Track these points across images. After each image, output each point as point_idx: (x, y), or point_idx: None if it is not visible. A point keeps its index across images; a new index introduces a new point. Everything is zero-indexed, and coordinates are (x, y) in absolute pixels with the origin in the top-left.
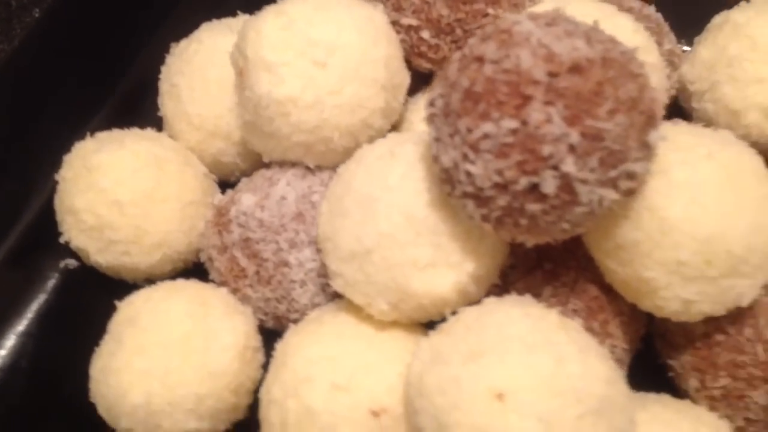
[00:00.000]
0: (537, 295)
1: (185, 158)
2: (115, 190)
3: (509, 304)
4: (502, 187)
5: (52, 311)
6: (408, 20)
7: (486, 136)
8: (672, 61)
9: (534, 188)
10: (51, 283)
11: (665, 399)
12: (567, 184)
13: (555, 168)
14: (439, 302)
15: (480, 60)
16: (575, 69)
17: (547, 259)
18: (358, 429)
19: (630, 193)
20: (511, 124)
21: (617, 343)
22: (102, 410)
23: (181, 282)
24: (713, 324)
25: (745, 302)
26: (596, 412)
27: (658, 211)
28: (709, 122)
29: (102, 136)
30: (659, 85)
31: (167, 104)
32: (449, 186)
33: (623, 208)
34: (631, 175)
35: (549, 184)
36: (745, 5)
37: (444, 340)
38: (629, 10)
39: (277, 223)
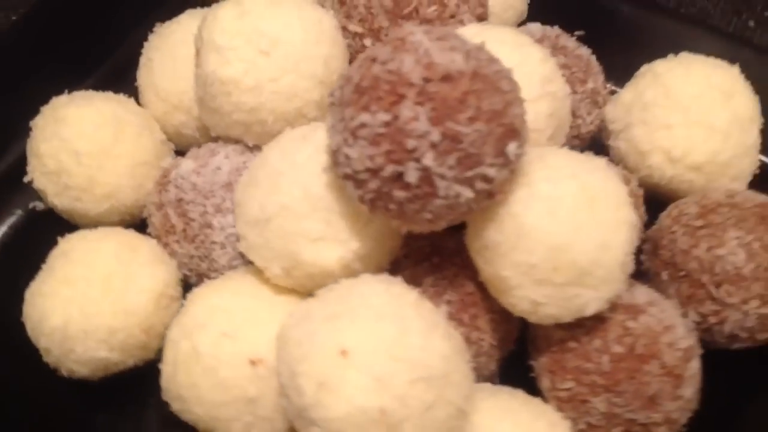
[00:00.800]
0: (419, 284)
1: (146, 123)
2: (76, 140)
3: (377, 281)
4: (373, 172)
5: (11, 245)
6: (354, 27)
7: (363, 125)
8: (595, 100)
9: (399, 176)
10: (16, 219)
11: (517, 393)
12: (427, 176)
13: (417, 160)
14: (325, 273)
15: (373, 60)
16: (446, 78)
17: (437, 253)
18: (236, 374)
19: (486, 195)
20: (384, 117)
21: (485, 338)
22: (28, 330)
23: (118, 229)
24: (569, 331)
25: (587, 312)
26: (428, 381)
27: (518, 217)
28: (620, 160)
29: (77, 94)
30: (557, 112)
31: (142, 75)
32: (336, 167)
33: (491, 212)
34: (485, 178)
35: (411, 174)
36: (670, 57)
37: (315, 302)
38: (561, 48)
39: (208, 189)
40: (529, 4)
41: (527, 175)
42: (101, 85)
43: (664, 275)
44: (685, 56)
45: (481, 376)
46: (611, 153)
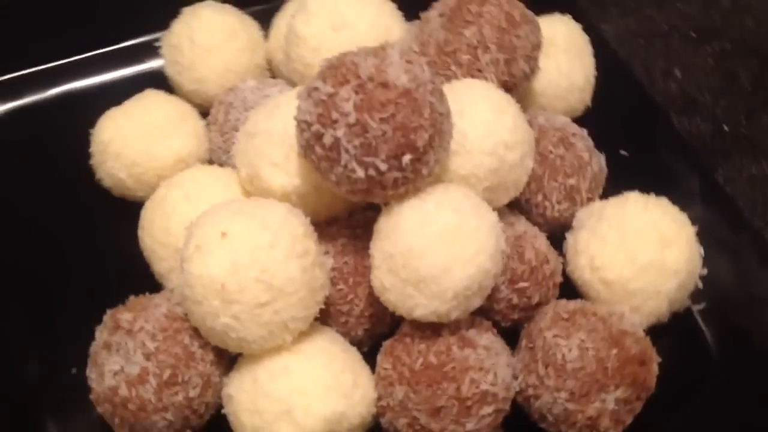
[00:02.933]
0: (334, 238)
1: (253, 47)
2: (196, 32)
3: (281, 204)
4: (308, 125)
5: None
6: (413, 45)
7: (316, 89)
8: (571, 196)
9: (320, 136)
10: None
11: (350, 349)
12: (336, 145)
13: (334, 129)
14: (270, 192)
15: (355, 53)
16: (384, 84)
17: (363, 227)
18: (179, 226)
19: (377, 183)
20: (329, 89)
21: (358, 304)
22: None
23: (185, 105)
24: (413, 328)
25: (414, 314)
26: (268, 287)
27: (400, 215)
28: (565, 252)
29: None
30: (503, 174)
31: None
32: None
33: (393, 203)
34: (376, 169)
35: (327, 138)
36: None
37: (228, 201)
38: (569, 144)
39: (251, 104)
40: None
41: (428, 191)
42: None
43: (523, 341)
44: (654, 198)
45: (348, 336)
46: (563, 245)
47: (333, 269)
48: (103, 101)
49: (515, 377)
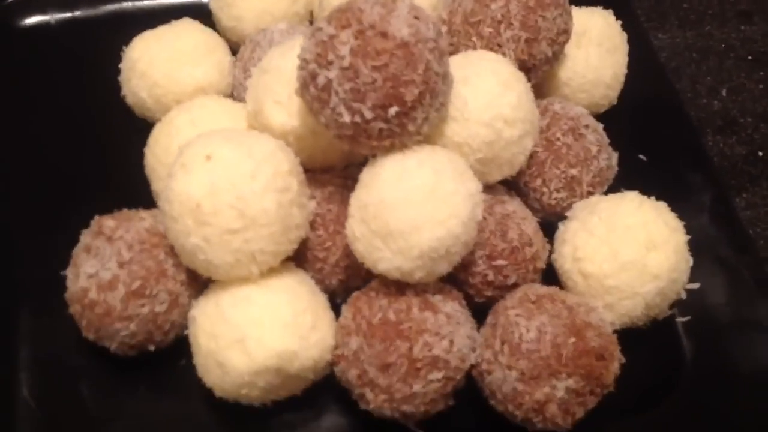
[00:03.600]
0: (325, 186)
1: None
2: None
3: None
4: (306, 63)
5: None
6: (441, 14)
7: (320, 29)
8: (571, 186)
9: (315, 76)
10: None
11: (319, 297)
12: (328, 86)
13: (327, 71)
14: (270, 129)
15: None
16: (383, 34)
17: (356, 179)
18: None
19: (363, 132)
20: (331, 31)
21: (335, 253)
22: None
23: (217, 38)
24: (380, 283)
25: (378, 268)
26: (241, 214)
27: (381, 167)
28: (554, 240)
29: None
30: (498, 149)
31: None
32: None
33: (378, 155)
34: (362, 116)
35: (321, 78)
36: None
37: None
38: (579, 134)
39: (276, 44)
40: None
41: (414, 149)
42: None
43: (488, 317)
44: (652, 201)
45: (322, 285)
46: (555, 234)
47: (316, 215)
48: (150, 25)
49: (474, 350)
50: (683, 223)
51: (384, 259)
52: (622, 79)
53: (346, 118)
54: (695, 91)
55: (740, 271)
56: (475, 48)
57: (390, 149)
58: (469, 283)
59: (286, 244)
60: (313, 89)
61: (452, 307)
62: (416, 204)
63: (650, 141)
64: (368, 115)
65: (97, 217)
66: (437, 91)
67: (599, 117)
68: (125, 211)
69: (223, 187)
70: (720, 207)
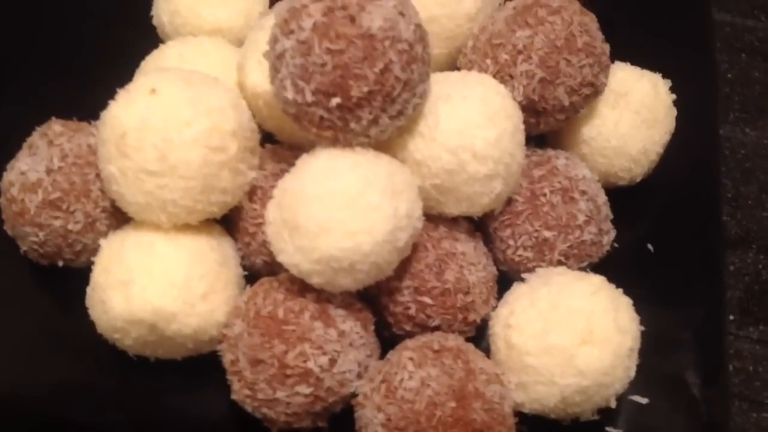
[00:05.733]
0: (277, 161)
1: None
2: None
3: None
4: (275, 26)
5: None
6: None
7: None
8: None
9: (276, 41)
10: None
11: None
12: (282, 55)
13: (287, 39)
14: (246, 91)
15: None
16: (351, 18)
17: None
18: None
19: (302, 112)
20: (297, 4)
21: (258, 236)
22: None
23: None
24: (290, 277)
25: (279, 258)
26: (165, 152)
27: (312, 156)
28: None
29: None
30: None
31: None
32: None
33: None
34: (304, 98)
35: (279, 46)
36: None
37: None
38: (552, 169)
39: None
40: None
41: (358, 150)
42: None
43: (390, 352)
44: (615, 292)
45: (248, 260)
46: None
47: (258, 187)
48: None
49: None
50: (666, 327)
51: (285, 251)
52: (654, 157)
53: (289, 94)
54: (759, 200)
55: (699, 404)
56: (486, 72)
57: (333, 142)
58: (390, 310)
59: (205, 205)
60: (272, 54)
61: (352, 326)
62: (331, 206)
63: (667, 235)
64: (309, 97)
65: (53, 119)
66: (394, 97)
67: (627, 188)
68: (82, 123)
69: (154, 125)
70: (710, 328)
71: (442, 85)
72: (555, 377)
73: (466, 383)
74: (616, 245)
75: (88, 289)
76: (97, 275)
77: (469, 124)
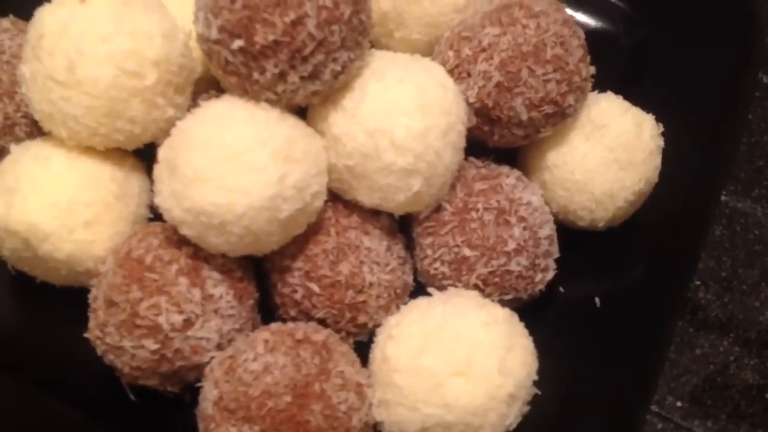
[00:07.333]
0: None
1: None
2: None
3: None
4: None
5: None
6: None
7: None
8: None
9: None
10: None
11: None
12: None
13: None
14: None
15: None
16: None
17: None
18: None
19: (212, 50)
20: None
21: None
22: None
23: None
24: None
25: (155, 199)
26: (75, 63)
27: (214, 102)
28: None
29: None
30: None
31: None
32: None
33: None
34: (210, 35)
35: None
36: None
37: None
38: (513, 200)
39: None
40: None
41: (263, 106)
42: None
43: None
44: (519, 331)
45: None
46: None
47: None
48: None
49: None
50: (581, 391)
51: (161, 193)
52: (621, 204)
53: (199, 27)
54: (756, 288)
55: None
56: (446, 64)
57: (241, 92)
58: (278, 290)
59: (109, 130)
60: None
61: (224, 293)
62: (212, 156)
63: (621, 293)
64: (215, 34)
65: (10, 16)
66: (305, 55)
67: (597, 231)
68: None
69: (70, 34)
70: (627, 408)
71: (383, 63)
72: (418, 403)
73: (312, 381)
74: (561, 289)
75: None
76: None
77: (395, 109)
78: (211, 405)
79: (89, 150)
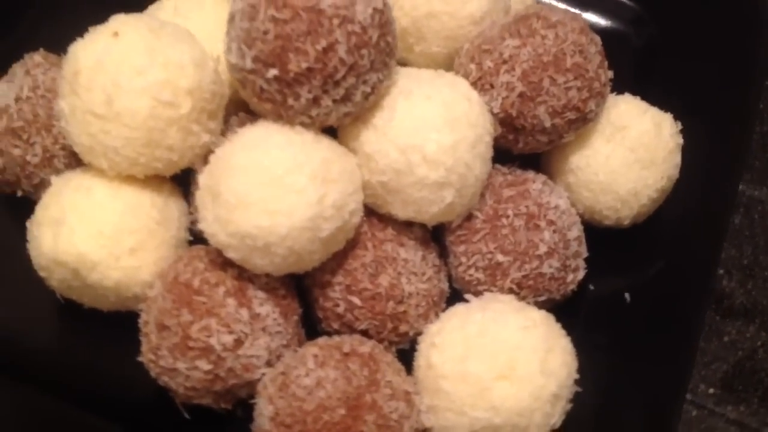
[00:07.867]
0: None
1: None
2: None
3: None
4: None
5: None
6: None
7: None
8: None
9: (234, 2)
10: None
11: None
12: (233, 18)
13: (241, 2)
14: None
15: None
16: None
17: None
18: None
19: (246, 80)
20: None
21: None
22: None
23: None
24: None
25: (199, 225)
26: (113, 96)
27: (251, 127)
28: None
29: None
30: None
31: None
32: None
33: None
34: (244, 65)
35: (234, 6)
36: None
37: None
38: (541, 204)
39: None
40: None
41: (298, 130)
42: None
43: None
44: (556, 332)
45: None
46: None
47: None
48: None
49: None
50: (618, 385)
51: (206, 219)
52: (645, 201)
53: (233, 58)
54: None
55: None
56: (469, 77)
57: (275, 117)
58: (320, 305)
59: (149, 159)
60: (230, 16)
61: (270, 311)
62: (253, 181)
63: (650, 288)
64: (249, 64)
65: (42, 51)
66: (337, 80)
67: (621, 230)
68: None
69: (106, 68)
70: (663, 398)
71: (409, 81)
72: (466, 407)
73: (363, 393)
74: (591, 287)
75: (28, 223)
76: (37, 210)
77: (425, 125)
78: (268, 421)
79: (129, 178)
